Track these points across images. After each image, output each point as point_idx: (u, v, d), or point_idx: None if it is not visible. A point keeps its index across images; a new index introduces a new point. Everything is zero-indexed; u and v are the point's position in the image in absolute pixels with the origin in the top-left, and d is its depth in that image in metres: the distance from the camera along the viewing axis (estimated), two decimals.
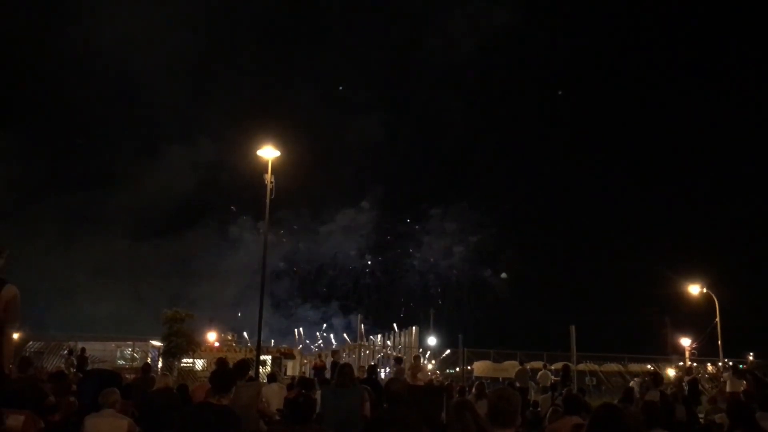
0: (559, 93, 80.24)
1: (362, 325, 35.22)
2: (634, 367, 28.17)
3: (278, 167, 20.56)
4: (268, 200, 20.13)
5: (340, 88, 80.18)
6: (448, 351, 33.97)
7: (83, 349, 21.34)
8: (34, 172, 62.44)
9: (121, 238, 62.99)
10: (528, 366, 22.21)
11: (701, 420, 11.09)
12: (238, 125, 74.55)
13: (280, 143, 20.87)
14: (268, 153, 20.14)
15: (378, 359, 32.30)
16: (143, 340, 27.77)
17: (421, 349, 32.41)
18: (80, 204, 62.89)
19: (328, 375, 17.27)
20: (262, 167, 20.38)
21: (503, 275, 69.85)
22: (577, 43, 75.52)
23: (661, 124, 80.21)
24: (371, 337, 39.77)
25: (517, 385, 19.46)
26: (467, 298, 68.99)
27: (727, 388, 16.23)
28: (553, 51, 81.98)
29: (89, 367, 18.63)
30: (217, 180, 69.42)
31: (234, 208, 68.09)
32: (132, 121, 78.47)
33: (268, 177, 19.79)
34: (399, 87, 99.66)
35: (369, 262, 73.59)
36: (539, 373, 21.25)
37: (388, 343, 37.66)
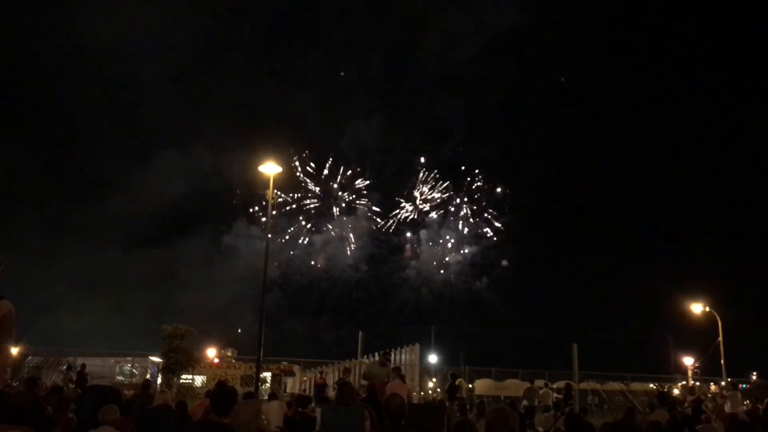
0: (562, 101, 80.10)
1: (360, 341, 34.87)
2: (637, 386, 28.03)
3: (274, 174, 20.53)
4: (269, 216, 20.15)
5: (337, 92, 79.36)
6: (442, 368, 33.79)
7: (83, 365, 21.27)
8: (17, 177, 59.85)
9: (108, 248, 61.28)
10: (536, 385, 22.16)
11: None
12: (233, 130, 74.17)
13: (276, 149, 20.99)
14: (270, 169, 19.89)
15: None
16: (142, 355, 27.65)
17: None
18: (66, 211, 60.56)
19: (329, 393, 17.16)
20: (257, 174, 20.38)
21: (504, 263, 68.52)
22: (584, 47, 75.08)
23: (663, 141, 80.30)
24: (366, 355, 39.29)
25: (525, 403, 19.37)
26: (463, 313, 68.02)
27: (727, 409, 15.90)
28: (558, 55, 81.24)
29: (88, 383, 18.54)
30: (210, 186, 67.81)
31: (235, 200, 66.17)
32: (122, 125, 76.43)
33: (270, 193, 19.80)
34: (397, 91, 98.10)
35: (364, 271, 72.17)
36: (541, 392, 21.16)
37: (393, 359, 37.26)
